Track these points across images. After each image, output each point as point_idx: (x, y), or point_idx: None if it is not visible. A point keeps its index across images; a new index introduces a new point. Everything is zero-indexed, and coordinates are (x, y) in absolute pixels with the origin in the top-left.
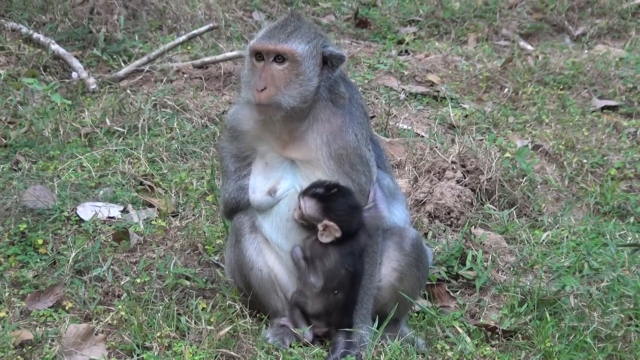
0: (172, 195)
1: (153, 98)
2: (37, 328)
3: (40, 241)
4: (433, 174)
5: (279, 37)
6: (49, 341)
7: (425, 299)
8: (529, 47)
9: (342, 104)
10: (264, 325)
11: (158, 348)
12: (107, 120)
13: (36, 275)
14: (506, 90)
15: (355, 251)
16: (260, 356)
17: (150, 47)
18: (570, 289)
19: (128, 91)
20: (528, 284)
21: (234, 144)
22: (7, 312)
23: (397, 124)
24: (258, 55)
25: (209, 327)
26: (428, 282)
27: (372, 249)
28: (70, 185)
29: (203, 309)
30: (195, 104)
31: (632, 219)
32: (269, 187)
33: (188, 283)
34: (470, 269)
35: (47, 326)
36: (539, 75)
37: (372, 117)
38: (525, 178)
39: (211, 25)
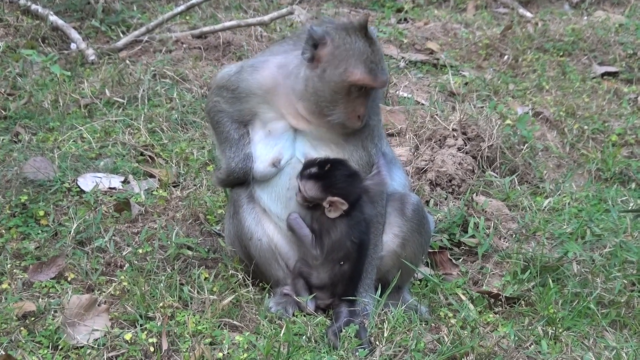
0: (173, 165)
1: (152, 68)
2: (40, 299)
3: (41, 213)
4: (434, 142)
5: (381, 72)
6: (52, 312)
7: (428, 266)
8: (528, 14)
9: None
10: (267, 294)
11: (161, 318)
12: (106, 91)
13: (38, 247)
14: (506, 57)
15: (361, 222)
16: (264, 325)
17: (148, 18)
18: (572, 255)
19: (127, 62)
20: (530, 250)
21: (236, 106)
22: (9, 284)
23: (397, 92)
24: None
25: (211, 296)
26: (430, 250)
27: (376, 219)
28: (70, 156)
29: (205, 278)
30: (195, 74)
31: (633, 185)
32: (273, 157)
33: (190, 253)
34: (473, 236)
35: (50, 297)
36: (538, 42)
37: None
38: (526, 145)
39: None
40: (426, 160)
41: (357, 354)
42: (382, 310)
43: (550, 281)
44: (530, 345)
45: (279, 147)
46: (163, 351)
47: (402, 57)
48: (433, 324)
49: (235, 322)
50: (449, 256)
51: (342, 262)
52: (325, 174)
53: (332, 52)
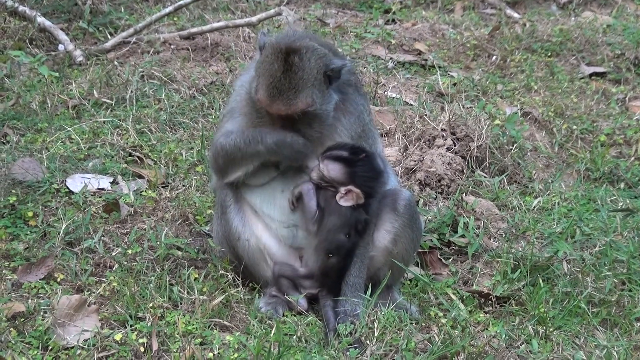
0: (162, 166)
1: (140, 69)
2: (29, 300)
3: (30, 213)
4: (423, 142)
5: (282, 101)
6: (42, 313)
7: (418, 266)
8: (516, 14)
9: (350, 90)
10: (257, 294)
11: (151, 318)
12: (94, 92)
13: (27, 248)
14: (494, 58)
15: (361, 221)
16: (254, 325)
17: (136, 19)
18: (563, 254)
19: (115, 63)
20: (520, 250)
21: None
22: None
23: (385, 93)
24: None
25: (201, 297)
26: (420, 250)
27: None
28: (59, 157)
29: (195, 279)
30: (183, 75)
31: (622, 185)
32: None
33: (180, 253)
34: (462, 236)
35: (39, 298)
36: (526, 43)
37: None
38: (515, 145)
39: None
40: (415, 161)
41: (347, 353)
42: (372, 309)
43: (541, 280)
44: (521, 345)
45: None
46: (153, 351)
47: (391, 58)
48: (423, 324)
49: (225, 322)
50: (438, 256)
51: (330, 254)
52: (356, 162)
53: (257, 65)
